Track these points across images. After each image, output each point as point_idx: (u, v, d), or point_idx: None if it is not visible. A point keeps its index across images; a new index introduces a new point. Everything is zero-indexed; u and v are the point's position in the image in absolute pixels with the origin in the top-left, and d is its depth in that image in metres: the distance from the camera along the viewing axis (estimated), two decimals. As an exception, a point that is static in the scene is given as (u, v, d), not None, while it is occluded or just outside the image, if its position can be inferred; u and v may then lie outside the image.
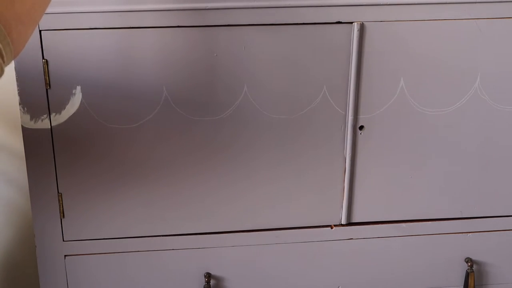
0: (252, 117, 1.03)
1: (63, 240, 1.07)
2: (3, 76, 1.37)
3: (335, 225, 1.12)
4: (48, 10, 0.93)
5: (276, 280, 1.14)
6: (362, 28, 1.00)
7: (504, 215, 1.15)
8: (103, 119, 1.00)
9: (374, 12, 0.99)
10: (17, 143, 1.30)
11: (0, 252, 1.41)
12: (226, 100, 1.02)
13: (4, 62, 0.75)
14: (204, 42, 0.98)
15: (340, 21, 0.99)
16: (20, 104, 0.98)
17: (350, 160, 1.07)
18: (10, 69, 0.99)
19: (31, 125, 0.99)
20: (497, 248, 1.17)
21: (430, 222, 1.14)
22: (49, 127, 1.00)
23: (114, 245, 1.09)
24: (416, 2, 0.99)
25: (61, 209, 1.05)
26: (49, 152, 1.02)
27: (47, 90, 0.98)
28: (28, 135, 1.00)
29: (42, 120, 0.93)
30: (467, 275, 1.16)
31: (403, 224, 1.14)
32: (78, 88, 0.99)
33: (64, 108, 0.99)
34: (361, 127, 1.06)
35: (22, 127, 0.99)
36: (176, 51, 0.98)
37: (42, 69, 0.96)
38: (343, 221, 1.12)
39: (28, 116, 0.99)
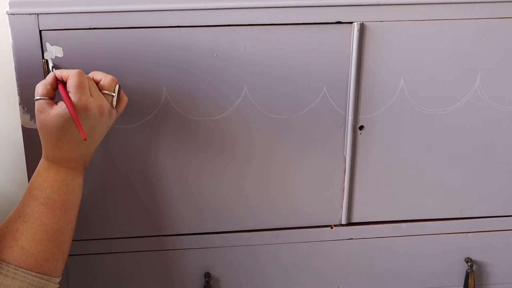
0: (252, 117, 1.03)
1: (63, 240, 1.07)
2: (3, 77, 1.37)
3: (335, 225, 1.12)
4: (48, 10, 0.93)
5: (276, 280, 1.14)
6: (362, 28, 1.00)
7: (504, 215, 1.15)
8: (103, 119, 1.00)
9: (374, 12, 0.99)
10: (17, 143, 1.30)
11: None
12: (226, 100, 1.02)
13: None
14: (204, 42, 0.98)
15: (340, 21, 0.99)
16: (20, 104, 0.98)
17: (350, 160, 1.07)
18: (10, 69, 0.99)
19: (31, 125, 0.99)
20: (497, 248, 1.17)
21: (430, 222, 1.14)
22: (49, 127, 1.00)
23: (114, 245, 1.09)
24: (416, 2, 0.99)
25: (61, 209, 1.05)
26: (49, 152, 1.01)
27: (47, 90, 0.98)
28: (28, 135, 0.99)
29: (42, 120, 0.93)
30: (467, 275, 1.16)
31: (403, 224, 1.14)
32: (78, 88, 0.98)
33: (64, 108, 0.99)
34: (361, 127, 1.06)
35: (22, 127, 0.99)
36: (176, 51, 0.98)
37: (42, 69, 0.96)
38: (343, 221, 1.12)
39: (28, 116, 0.99)
